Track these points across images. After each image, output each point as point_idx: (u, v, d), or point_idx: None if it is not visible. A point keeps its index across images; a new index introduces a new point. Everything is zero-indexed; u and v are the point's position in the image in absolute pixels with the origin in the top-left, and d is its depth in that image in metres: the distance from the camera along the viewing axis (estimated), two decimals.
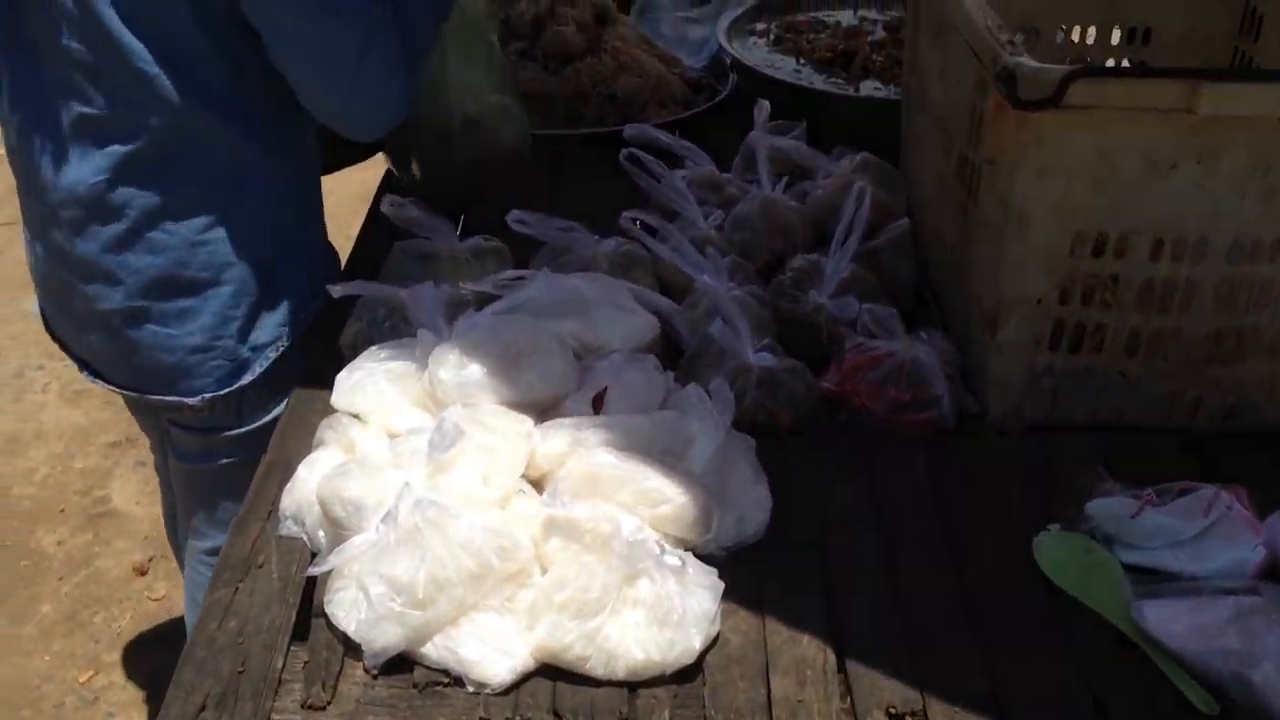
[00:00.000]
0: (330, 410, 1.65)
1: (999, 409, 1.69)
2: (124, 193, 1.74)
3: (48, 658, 2.93)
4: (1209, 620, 1.33)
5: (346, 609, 1.32)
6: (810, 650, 1.34)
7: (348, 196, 4.92)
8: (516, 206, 1.87)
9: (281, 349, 1.91)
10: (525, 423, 1.48)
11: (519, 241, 2.00)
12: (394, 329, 1.75)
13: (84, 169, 1.72)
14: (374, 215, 2.25)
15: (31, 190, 1.79)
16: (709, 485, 1.46)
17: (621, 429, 1.45)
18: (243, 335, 1.87)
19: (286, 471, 1.58)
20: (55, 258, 1.80)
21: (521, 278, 1.68)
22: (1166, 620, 1.36)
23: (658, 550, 1.31)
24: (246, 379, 1.89)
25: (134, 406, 2.09)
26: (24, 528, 3.32)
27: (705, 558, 1.43)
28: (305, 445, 1.63)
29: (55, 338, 1.97)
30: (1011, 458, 1.66)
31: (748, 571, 1.44)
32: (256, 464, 1.60)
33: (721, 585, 1.36)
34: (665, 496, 1.39)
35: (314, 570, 1.34)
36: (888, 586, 1.44)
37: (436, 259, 1.92)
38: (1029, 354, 1.63)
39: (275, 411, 1.90)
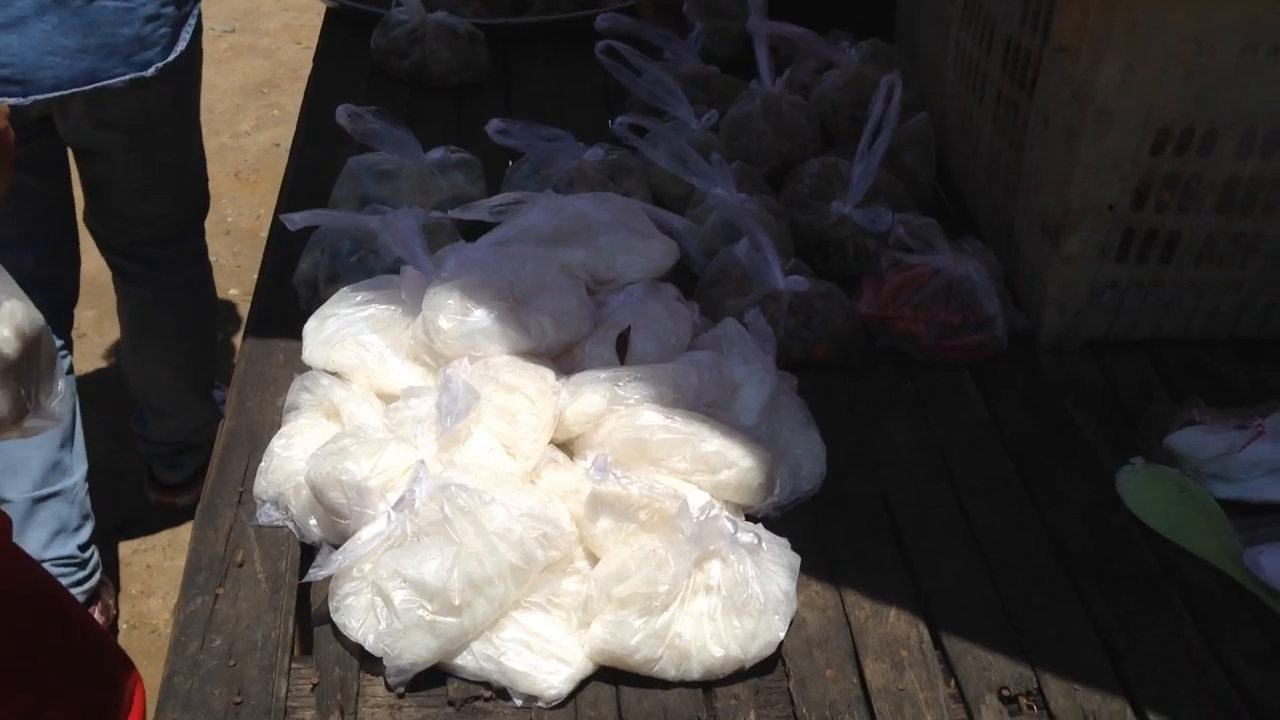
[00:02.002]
0: (297, 365, 1.41)
1: (1054, 326, 1.51)
2: None
3: None
4: None
5: (361, 618, 1.09)
6: (900, 625, 1.17)
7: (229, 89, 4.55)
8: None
9: (198, 11, 1.99)
10: (548, 377, 1.26)
11: (488, 152, 1.76)
12: (363, 263, 1.50)
13: None
14: (309, 126, 1.98)
15: None
16: (762, 438, 1.26)
17: (665, 381, 1.23)
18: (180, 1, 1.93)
19: (253, 444, 1.34)
20: None
21: (519, 201, 1.43)
22: None
23: (731, 528, 1.11)
24: (182, 45, 1.94)
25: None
26: None
27: (758, 519, 1.24)
28: (269, 409, 1.39)
29: None
30: (1069, 379, 1.50)
31: (809, 533, 1.25)
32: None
33: (798, 560, 1.17)
34: (727, 460, 1.19)
35: (316, 574, 1.11)
36: (966, 538, 1.27)
37: (397, 175, 1.66)
38: (1094, 266, 1.45)
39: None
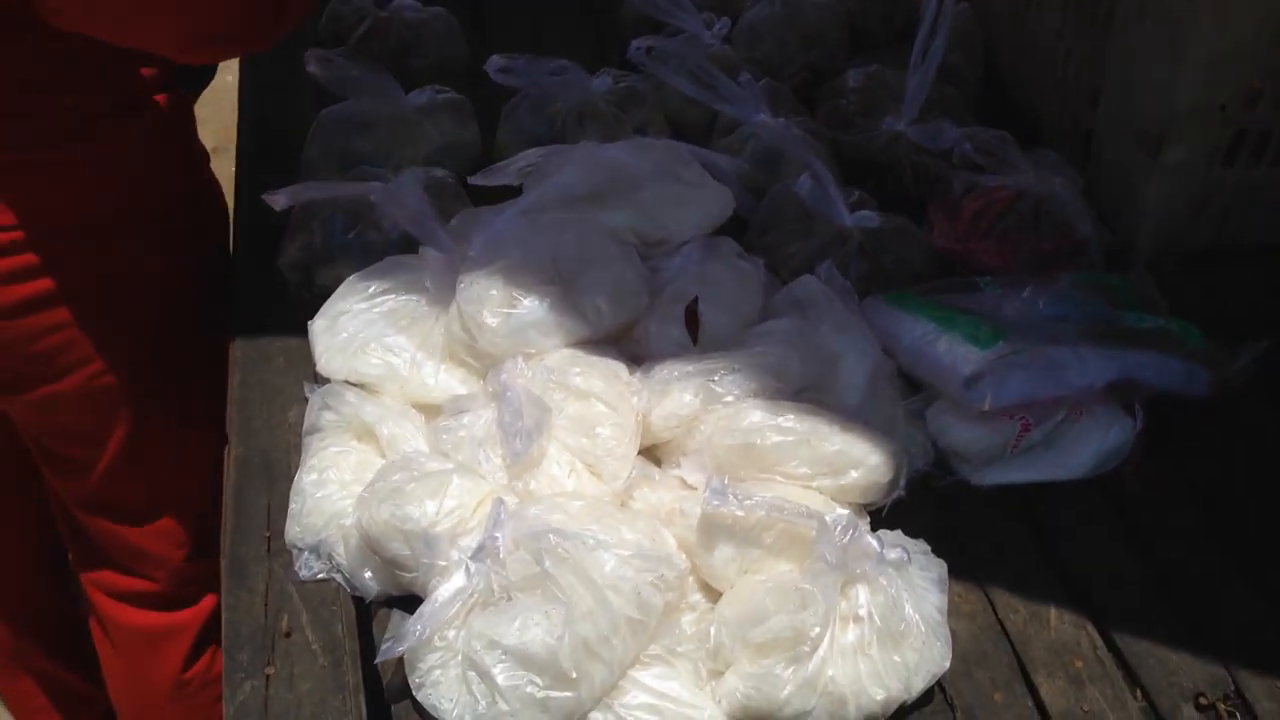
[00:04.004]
0: (303, 369, 1.20)
1: (1152, 243, 1.35)
2: None
3: None
4: None
5: (453, 697, 0.91)
6: (1066, 629, 1.01)
7: None
8: None
9: None
10: (621, 374, 1.06)
11: (476, 90, 1.53)
12: (361, 241, 1.28)
13: None
14: (251, 75, 1.72)
15: None
16: (870, 418, 1.09)
17: (766, 369, 1.05)
18: None
19: (269, 474, 1.14)
20: None
21: (544, 158, 1.21)
22: None
23: (877, 545, 0.93)
24: None
25: None
26: None
27: (882, 514, 1.07)
28: (280, 427, 1.18)
29: None
30: (1173, 303, 1.32)
31: (936, 524, 1.08)
32: None
33: (944, 568, 1.00)
34: (852, 459, 1.01)
35: (394, 649, 0.91)
36: (1111, 507, 1.11)
37: (378, 125, 1.43)
38: (1201, 174, 1.29)
39: None
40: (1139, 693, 0.97)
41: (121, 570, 1.44)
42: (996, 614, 1.03)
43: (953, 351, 1.11)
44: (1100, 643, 1.00)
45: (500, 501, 0.94)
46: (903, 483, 1.06)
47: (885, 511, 1.06)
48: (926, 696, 0.96)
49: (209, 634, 1.49)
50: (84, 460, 1.33)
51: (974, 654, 1.00)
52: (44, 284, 1.19)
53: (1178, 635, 1.01)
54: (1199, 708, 0.96)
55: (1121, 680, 0.98)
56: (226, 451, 1.18)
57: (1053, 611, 1.03)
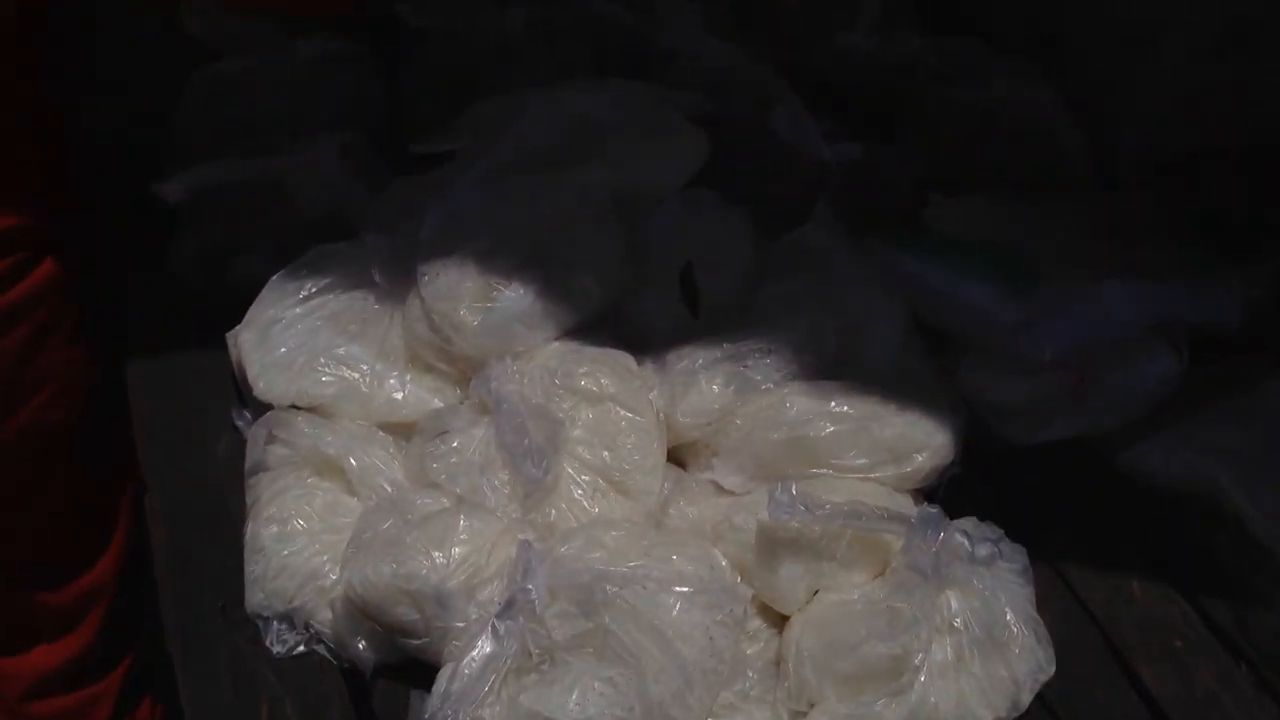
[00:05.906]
0: (220, 391, 1.01)
1: (1136, 146, 1.24)
2: None
3: None
4: None
5: None
6: (1155, 603, 0.91)
7: None
8: None
9: None
10: (630, 364, 0.91)
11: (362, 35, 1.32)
12: (273, 226, 1.08)
13: None
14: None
15: None
16: (906, 386, 0.95)
17: (802, 346, 0.91)
18: None
19: (206, 525, 0.94)
20: None
21: (496, 115, 1.03)
22: None
23: (968, 544, 0.81)
24: None
25: None
26: None
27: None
28: (205, 465, 0.99)
29: None
30: (1160, 210, 1.23)
31: (983, 497, 0.95)
32: None
33: (1025, 554, 0.88)
34: (915, 443, 0.88)
35: None
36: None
37: (265, 85, 1.21)
38: (1190, 70, 1.18)
39: None
40: (1242, 665, 0.88)
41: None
42: (1075, 593, 0.92)
43: (987, 296, 0.98)
44: (1194, 616, 0.90)
45: (528, 545, 0.78)
46: (958, 459, 0.93)
47: (941, 493, 0.93)
48: None
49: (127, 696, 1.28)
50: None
51: (1062, 644, 0.87)
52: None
53: (1268, 594, 0.92)
54: None
55: (1225, 655, 0.88)
56: (146, 500, 0.98)
57: (1135, 583, 0.92)
